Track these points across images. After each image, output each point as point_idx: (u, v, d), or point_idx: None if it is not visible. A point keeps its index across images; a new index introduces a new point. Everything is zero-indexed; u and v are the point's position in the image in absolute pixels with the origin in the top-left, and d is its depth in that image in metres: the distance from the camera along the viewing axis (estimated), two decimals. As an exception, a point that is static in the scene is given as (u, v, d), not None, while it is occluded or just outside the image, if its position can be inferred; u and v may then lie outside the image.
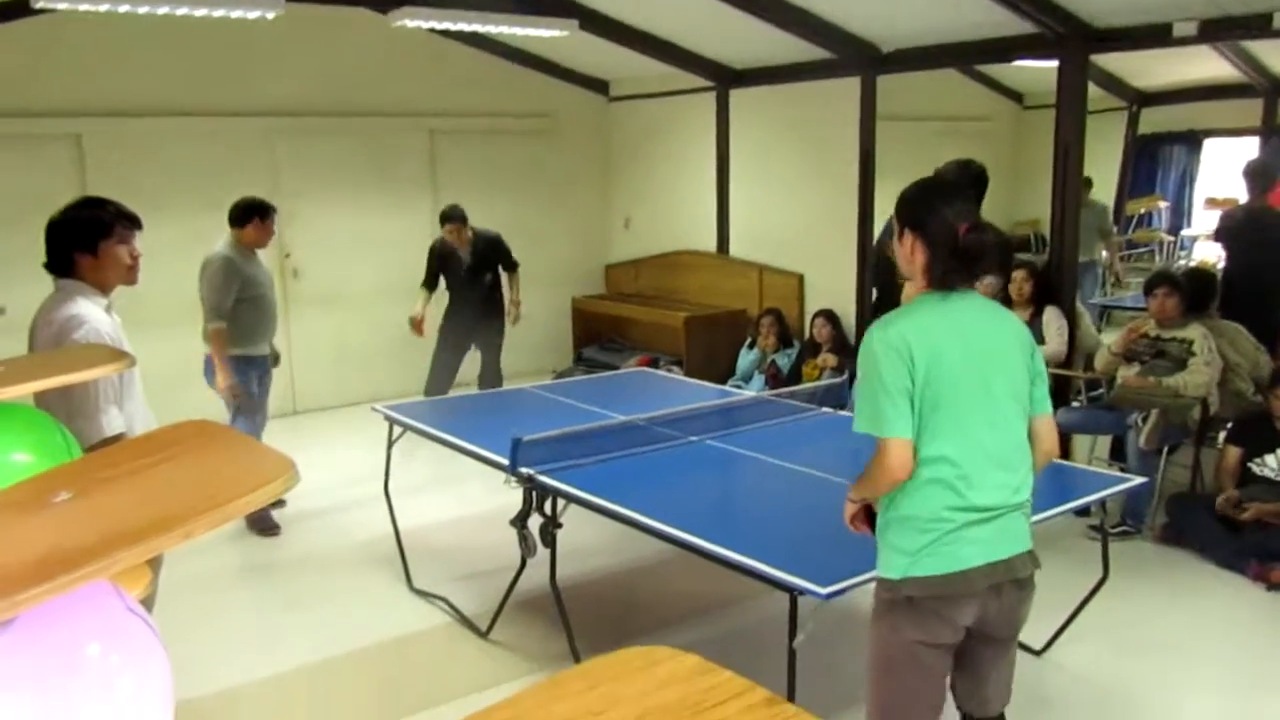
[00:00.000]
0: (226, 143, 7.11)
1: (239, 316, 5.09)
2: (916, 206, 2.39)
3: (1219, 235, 6.25)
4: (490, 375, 6.50)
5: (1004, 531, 2.28)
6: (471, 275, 6.39)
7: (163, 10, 5.55)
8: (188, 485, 0.87)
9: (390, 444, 4.49)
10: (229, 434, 0.95)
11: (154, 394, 3.15)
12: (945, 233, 2.28)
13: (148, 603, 1.11)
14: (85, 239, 2.93)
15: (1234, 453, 4.75)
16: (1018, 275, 5.38)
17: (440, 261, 6.43)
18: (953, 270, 2.30)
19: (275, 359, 5.44)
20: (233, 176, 7.19)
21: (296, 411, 7.32)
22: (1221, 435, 5.08)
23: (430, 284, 6.39)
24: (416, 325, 6.25)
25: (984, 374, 2.27)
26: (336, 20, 7.15)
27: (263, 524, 5.14)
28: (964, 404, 2.24)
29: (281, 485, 0.77)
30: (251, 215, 5.17)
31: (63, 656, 0.79)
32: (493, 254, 6.46)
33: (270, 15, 5.80)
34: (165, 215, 6.88)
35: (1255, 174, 5.95)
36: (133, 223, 3.05)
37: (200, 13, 5.61)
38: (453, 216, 6.34)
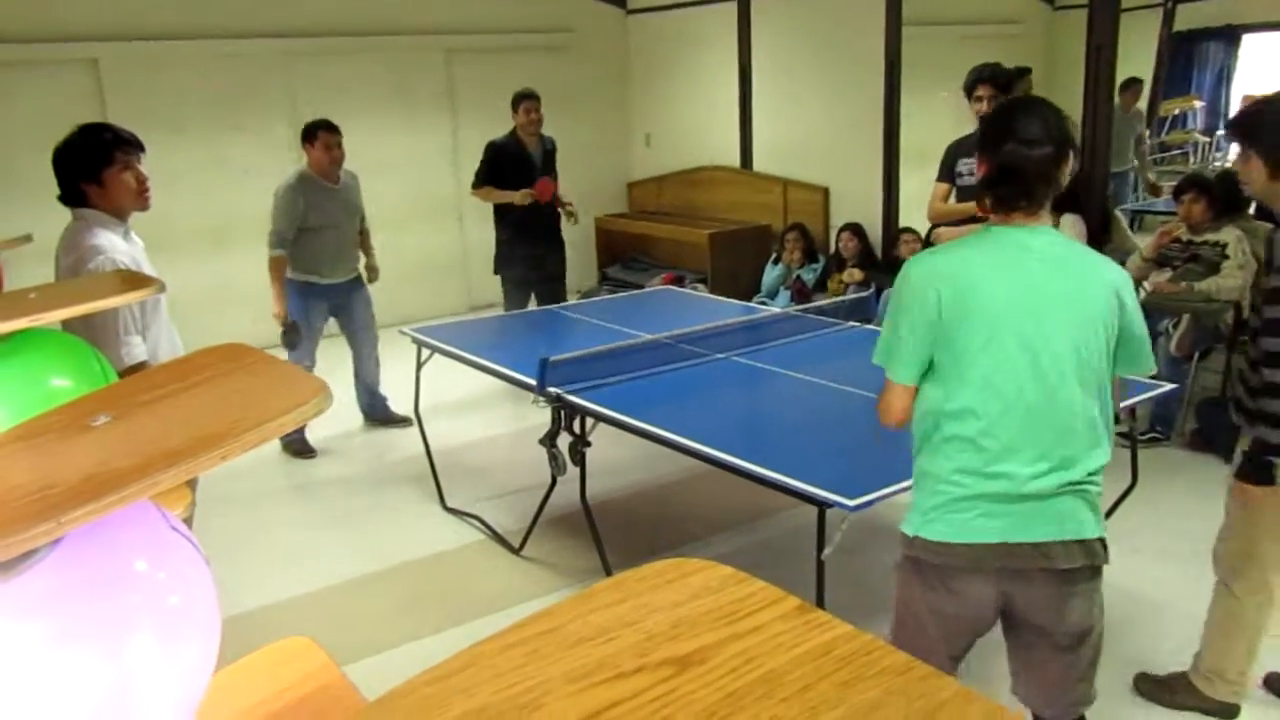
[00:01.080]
0: (244, 65, 7.05)
1: (303, 243, 5.06)
2: (987, 124, 2.20)
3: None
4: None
5: (1043, 512, 2.00)
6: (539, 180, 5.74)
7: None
8: (223, 408, 0.88)
9: (419, 366, 4.52)
10: (261, 357, 0.96)
11: (179, 318, 3.17)
12: (996, 148, 2.04)
13: (187, 522, 1.13)
14: (87, 169, 2.88)
15: None
16: None
17: (501, 161, 5.73)
18: (1002, 195, 2.03)
19: (369, 275, 5.35)
20: (251, 99, 7.15)
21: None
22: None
23: (489, 183, 5.76)
24: (543, 188, 5.70)
25: (1039, 324, 1.96)
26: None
27: (298, 446, 5.22)
28: (1000, 354, 1.97)
29: (314, 408, 0.78)
30: (307, 135, 5.08)
31: (112, 573, 0.81)
32: (553, 159, 5.96)
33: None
34: (185, 139, 6.88)
35: None
36: (133, 145, 2.96)
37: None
38: (532, 94, 5.70)
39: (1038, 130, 2.02)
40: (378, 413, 5.56)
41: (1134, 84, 7.82)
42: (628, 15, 8.76)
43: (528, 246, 5.80)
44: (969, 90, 4.66)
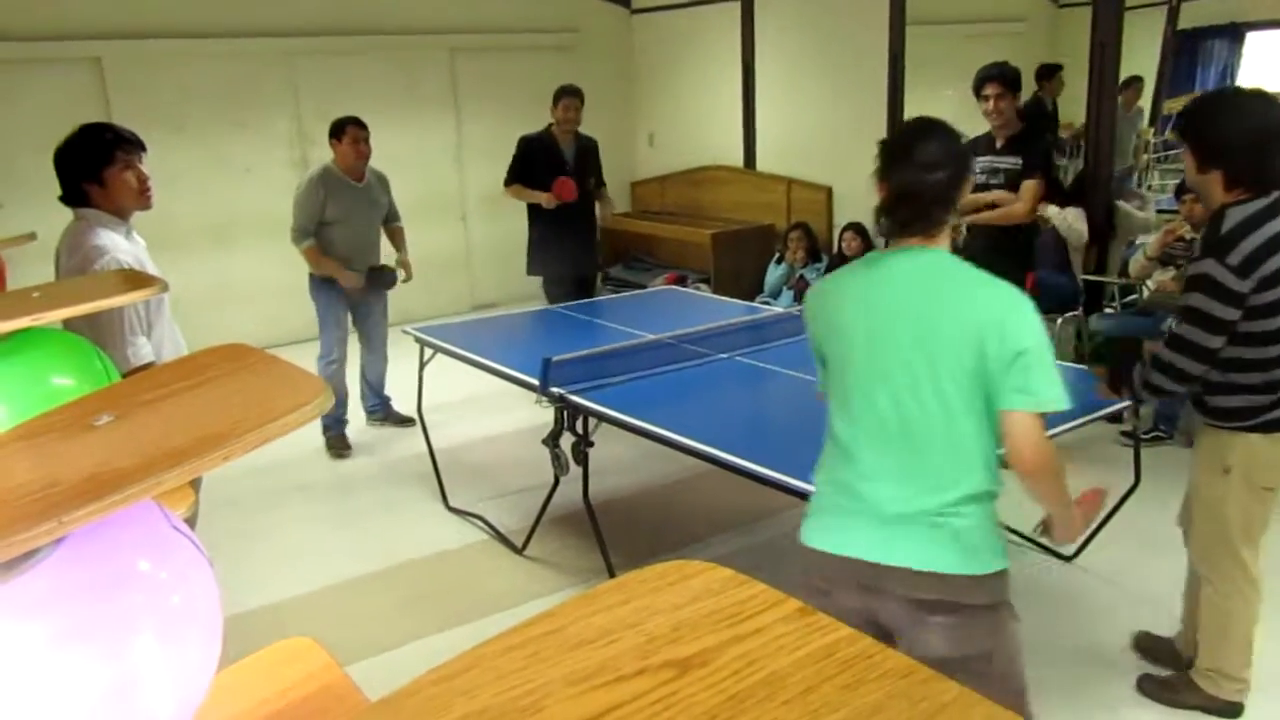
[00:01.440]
0: (247, 63, 7.06)
1: (321, 237, 5.05)
2: (885, 147, 2.19)
3: None
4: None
5: (902, 537, 1.95)
6: (574, 179, 5.60)
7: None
8: (226, 408, 0.88)
9: (422, 365, 4.53)
10: (263, 357, 0.96)
11: (181, 316, 3.17)
12: (895, 172, 2.06)
13: (190, 521, 1.13)
14: (88, 169, 2.87)
15: None
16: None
17: (533, 156, 5.58)
18: (900, 219, 2.05)
19: (385, 281, 5.31)
20: (254, 97, 7.16)
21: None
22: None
23: (519, 180, 5.61)
24: (563, 188, 5.49)
25: (897, 346, 1.95)
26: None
27: (338, 445, 5.25)
28: (857, 378, 2.01)
29: (315, 408, 0.78)
30: (335, 131, 5.07)
31: (113, 573, 0.81)
32: (591, 160, 5.77)
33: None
34: (187, 137, 6.90)
35: None
36: (134, 145, 2.94)
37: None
38: (574, 90, 5.54)
39: (935, 153, 2.00)
40: (380, 413, 5.56)
41: (1135, 82, 7.80)
42: (632, 14, 8.76)
43: (558, 245, 5.69)
44: (977, 89, 4.67)
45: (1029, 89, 6.89)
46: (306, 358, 5.85)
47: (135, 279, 1.65)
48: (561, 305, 5.42)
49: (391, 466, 5.10)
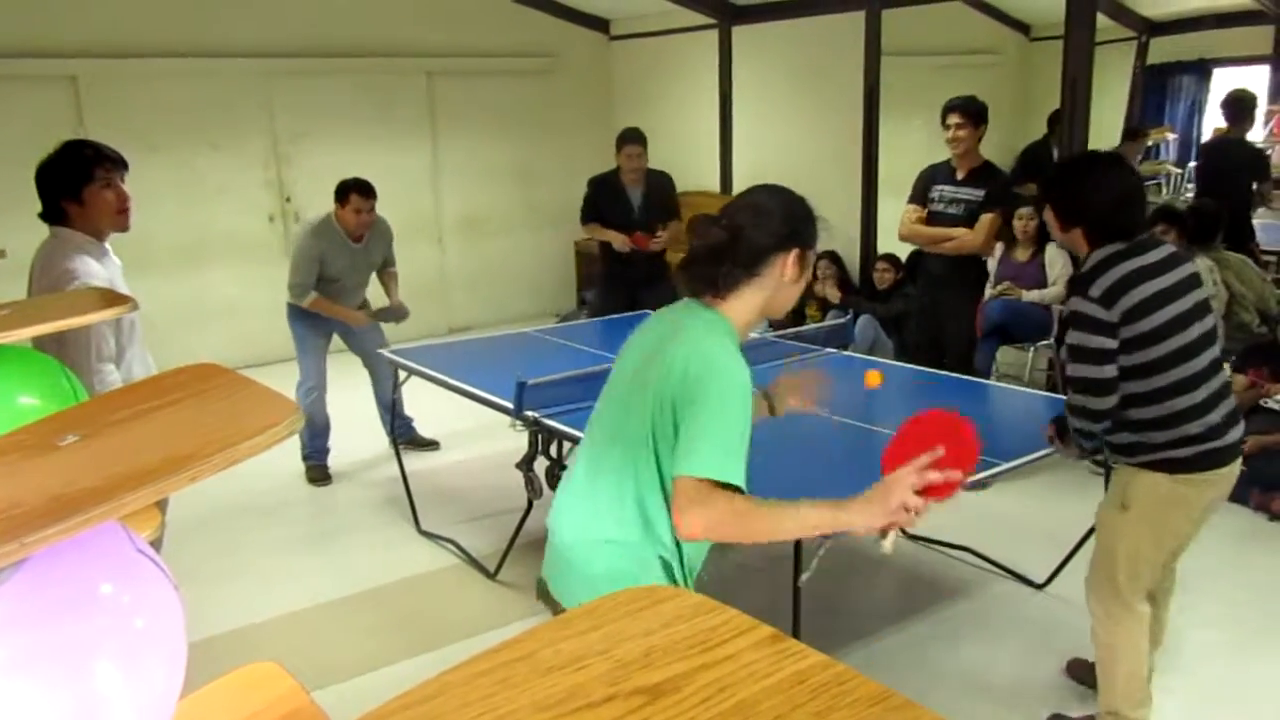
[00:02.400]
0: (223, 84, 7.05)
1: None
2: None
3: (1197, 167, 6.27)
4: None
5: (554, 559, 2.13)
6: (641, 223, 5.53)
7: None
8: (194, 429, 0.87)
9: (396, 387, 4.50)
10: (233, 378, 0.95)
11: (154, 337, 3.14)
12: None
13: (156, 544, 1.12)
14: (68, 186, 2.83)
15: (1241, 380, 4.73)
16: (1023, 213, 5.34)
17: (601, 198, 5.54)
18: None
19: (397, 316, 5.25)
20: (230, 118, 7.15)
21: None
22: (1226, 367, 5.08)
23: (594, 219, 5.57)
24: (637, 240, 5.47)
25: (611, 394, 2.10)
26: (332, -42, 7.04)
27: (317, 473, 5.17)
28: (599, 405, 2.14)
29: (285, 428, 0.77)
30: (340, 194, 4.98)
31: (76, 596, 0.79)
32: (665, 199, 5.66)
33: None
34: (163, 158, 6.86)
35: (1229, 106, 5.94)
36: (115, 163, 2.90)
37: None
38: (634, 137, 5.44)
39: (722, 216, 2.01)
40: (406, 435, 5.43)
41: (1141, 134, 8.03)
42: (610, 41, 8.82)
43: (626, 287, 5.65)
44: (942, 118, 4.77)
45: (1036, 130, 7.03)
46: (284, 379, 5.80)
47: (106, 298, 1.64)
48: (538, 329, 5.41)
49: (365, 490, 5.06)
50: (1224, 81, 9.11)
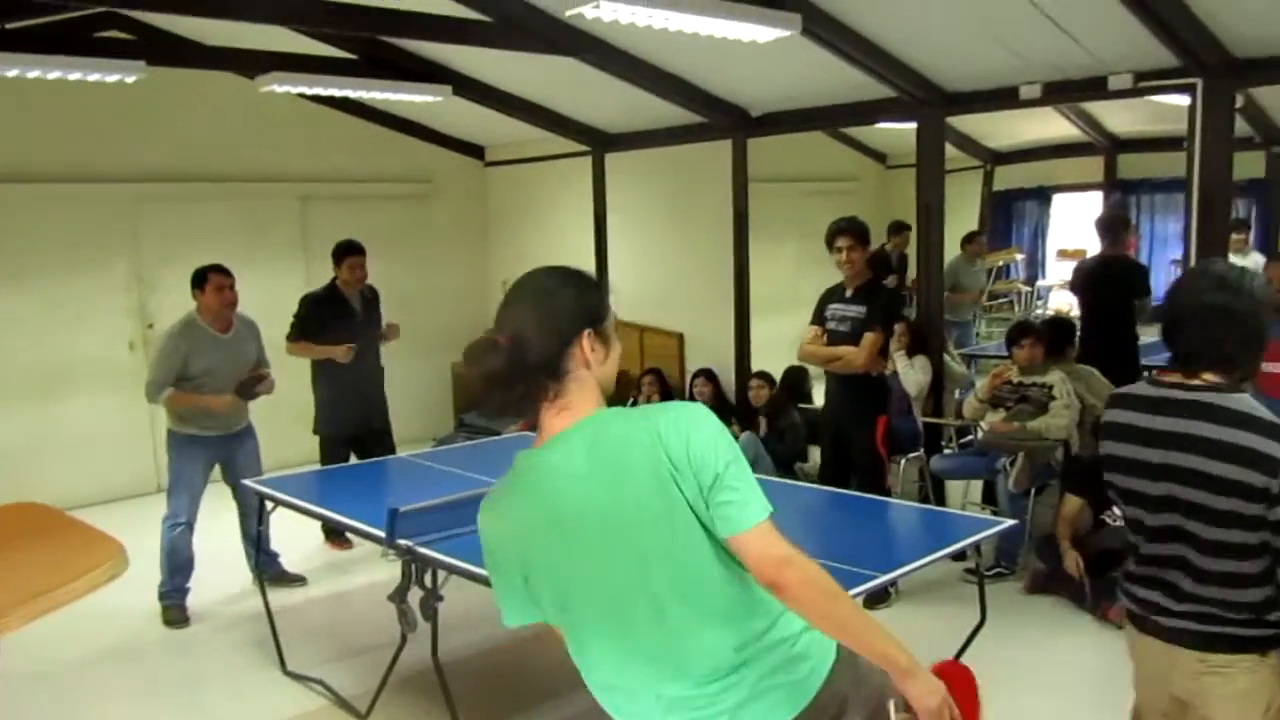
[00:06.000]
0: (87, 210, 6.86)
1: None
2: None
3: (1073, 285, 6.58)
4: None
5: None
6: (363, 331, 5.70)
7: (12, 73, 5.31)
8: (5, 577, 0.79)
9: (261, 518, 4.30)
10: (55, 518, 0.88)
11: (4, 471, 2.93)
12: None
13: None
14: None
15: (1075, 502, 4.83)
16: (898, 328, 5.49)
17: (320, 311, 5.62)
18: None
19: (262, 387, 5.00)
20: (94, 244, 6.96)
21: (161, 488, 6.97)
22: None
23: (305, 337, 5.62)
24: (344, 352, 5.53)
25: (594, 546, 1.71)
26: (202, 84, 6.99)
27: (174, 615, 4.83)
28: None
29: (106, 573, 0.71)
30: (197, 281, 4.81)
31: None
32: (376, 309, 5.89)
33: (130, 79, 5.63)
34: (24, 284, 6.63)
35: (1106, 226, 6.30)
36: None
37: (54, 75, 5.39)
38: (355, 248, 5.67)
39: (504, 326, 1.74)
40: (272, 570, 5.14)
41: (977, 236, 8.38)
42: (486, 166, 8.96)
43: (355, 399, 5.68)
44: (830, 241, 4.91)
45: (878, 239, 7.39)
46: (142, 512, 5.48)
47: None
48: (413, 454, 5.28)
49: (227, 630, 4.76)
50: (1063, 206, 9.82)
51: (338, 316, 5.67)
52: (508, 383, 1.69)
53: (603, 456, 1.66)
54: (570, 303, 1.75)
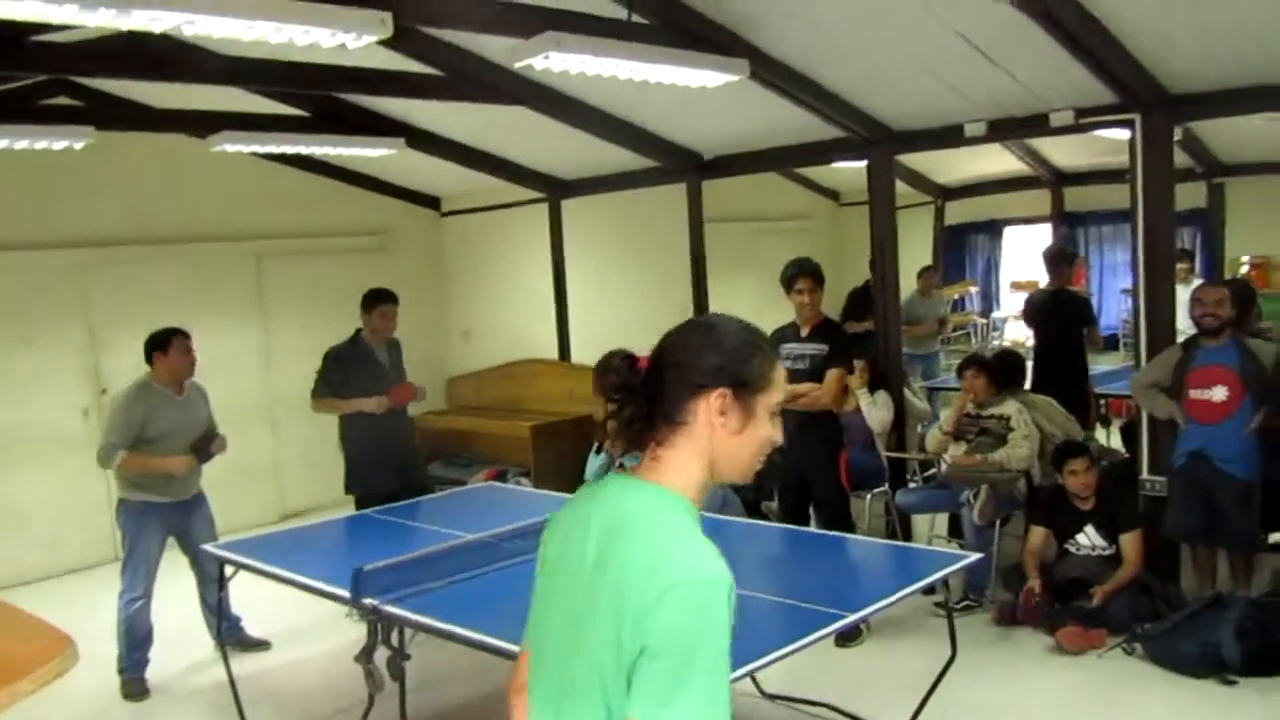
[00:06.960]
0: (33, 277, 6.73)
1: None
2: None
3: (1026, 317, 6.69)
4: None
5: None
6: (393, 383, 5.56)
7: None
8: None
9: (222, 583, 4.21)
10: (2, 612, 0.85)
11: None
12: None
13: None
14: None
15: (1039, 533, 4.90)
16: (859, 364, 5.53)
17: (344, 366, 5.48)
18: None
19: (216, 446, 4.90)
20: (41, 310, 6.83)
21: (119, 557, 6.81)
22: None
23: (329, 392, 5.48)
24: (402, 394, 5.50)
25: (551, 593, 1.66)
26: (151, 146, 6.94)
27: (133, 688, 4.68)
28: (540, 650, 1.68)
29: (53, 670, 0.69)
30: (159, 344, 4.73)
31: None
32: (400, 359, 5.75)
33: (79, 145, 5.58)
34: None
35: (1053, 258, 6.43)
36: None
37: (1, 144, 5.32)
38: (388, 296, 5.54)
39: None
40: (235, 636, 5.02)
41: (929, 271, 8.49)
42: (442, 216, 8.96)
43: (390, 456, 5.53)
44: (789, 284, 4.96)
45: (847, 284, 7.48)
46: (100, 581, 5.34)
47: None
48: (375, 510, 5.21)
49: (189, 702, 4.62)
50: (1014, 238, 9.99)
51: (364, 369, 5.53)
52: (622, 399, 1.67)
53: (606, 541, 1.54)
54: (719, 353, 1.58)
